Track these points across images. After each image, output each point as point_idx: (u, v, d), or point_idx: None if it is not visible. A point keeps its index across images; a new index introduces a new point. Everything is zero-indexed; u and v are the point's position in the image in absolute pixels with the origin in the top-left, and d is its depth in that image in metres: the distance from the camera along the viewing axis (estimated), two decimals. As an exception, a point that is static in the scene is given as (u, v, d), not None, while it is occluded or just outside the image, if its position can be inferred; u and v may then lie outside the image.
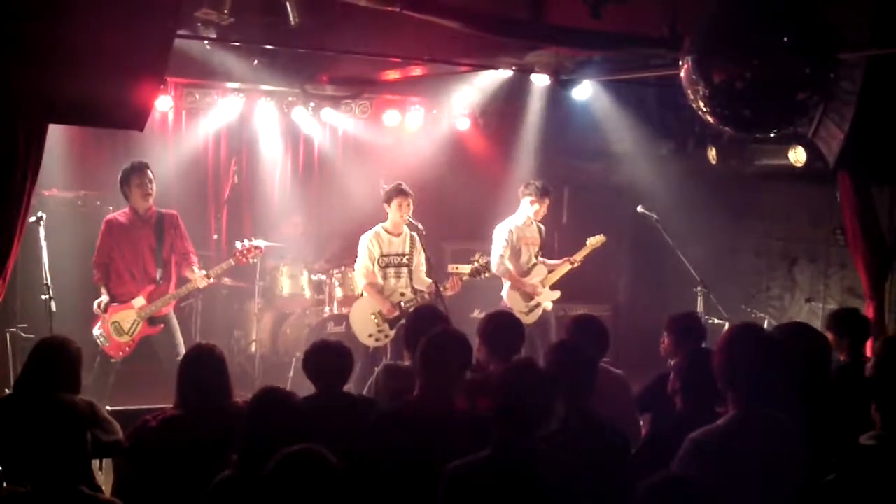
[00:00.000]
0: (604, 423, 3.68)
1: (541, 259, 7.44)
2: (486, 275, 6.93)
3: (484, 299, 7.93)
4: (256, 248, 6.73)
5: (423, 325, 4.25)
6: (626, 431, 3.92)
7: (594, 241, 7.47)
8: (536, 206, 7.27)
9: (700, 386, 3.70)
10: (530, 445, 3.14)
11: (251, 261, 6.87)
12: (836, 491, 2.90)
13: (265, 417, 3.30)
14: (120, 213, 6.43)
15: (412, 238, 6.85)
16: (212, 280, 6.52)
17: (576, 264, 7.37)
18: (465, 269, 6.64)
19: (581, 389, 3.67)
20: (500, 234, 7.27)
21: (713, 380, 3.43)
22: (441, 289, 6.38)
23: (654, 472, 2.68)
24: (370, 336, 6.69)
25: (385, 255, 6.77)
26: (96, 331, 6.23)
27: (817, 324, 7.19)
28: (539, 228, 7.47)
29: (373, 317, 6.71)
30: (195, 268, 6.45)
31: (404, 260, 6.83)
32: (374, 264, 6.75)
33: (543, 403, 3.21)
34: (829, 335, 4.91)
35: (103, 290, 6.29)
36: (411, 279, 6.85)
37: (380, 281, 6.76)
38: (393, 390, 4.31)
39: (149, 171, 6.34)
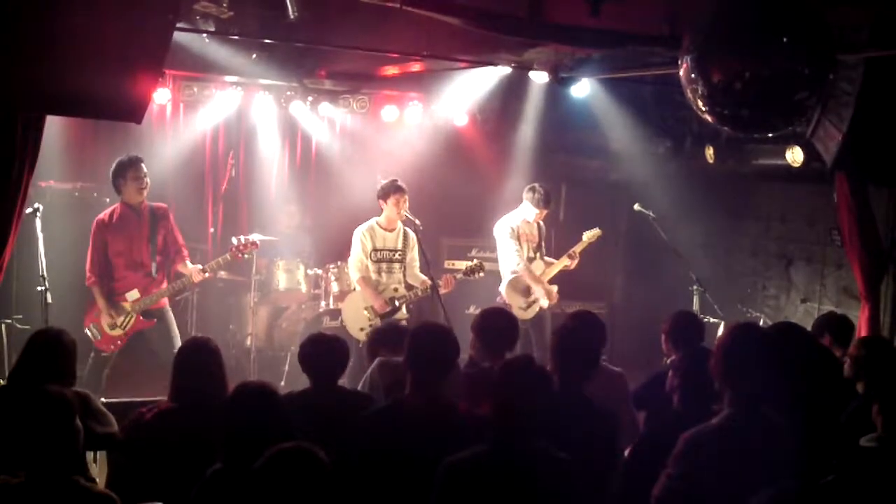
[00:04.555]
0: (593, 403, 3.69)
1: (538, 255, 7.44)
2: (481, 274, 6.93)
3: (480, 296, 7.92)
4: (252, 243, 6.74)
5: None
6: (617, 415, 3.93)
7: (590, 234, 7.46)
8: (535, 212, 7.25)
9: (698, 384, 3.72)
10: (528, 443, 3.15)
11: (246, 256, 6.88)
12: (835, 492, 2.90)
13: (242, 411, 3.32)
14: (109, 211, 6.37)
15: (406, 233, 6.84)
16: (207, 275, 6.51)
17: (575, 259, 7.35)
18: (461, 265, 6.62)
19: (583, 366, 3.72)
20: (504, 233, 7.24)
21: (711, 379, 3.43)
22: (437, 286, 6.39)
23: (650, 469, 2.69)
24: (361, 330, 6.69)
25: (377, 250, 6.76)
26: (89, 325, 6.21)
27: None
28: (539, 225, 7.46)
29: (365, 311, 6.71)
30: (188, 262, 6.44)
31: (397, 256, 6.82)
32: (367, 258, 6.75)
33: (541, 401, 3.22)
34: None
35: (97, 292, 6.21)
36: (405, 275, 6.85)
37: (372, 276, 6.76)
38: (388, 386, 4.31)
39: (143, 165, 6.33)
